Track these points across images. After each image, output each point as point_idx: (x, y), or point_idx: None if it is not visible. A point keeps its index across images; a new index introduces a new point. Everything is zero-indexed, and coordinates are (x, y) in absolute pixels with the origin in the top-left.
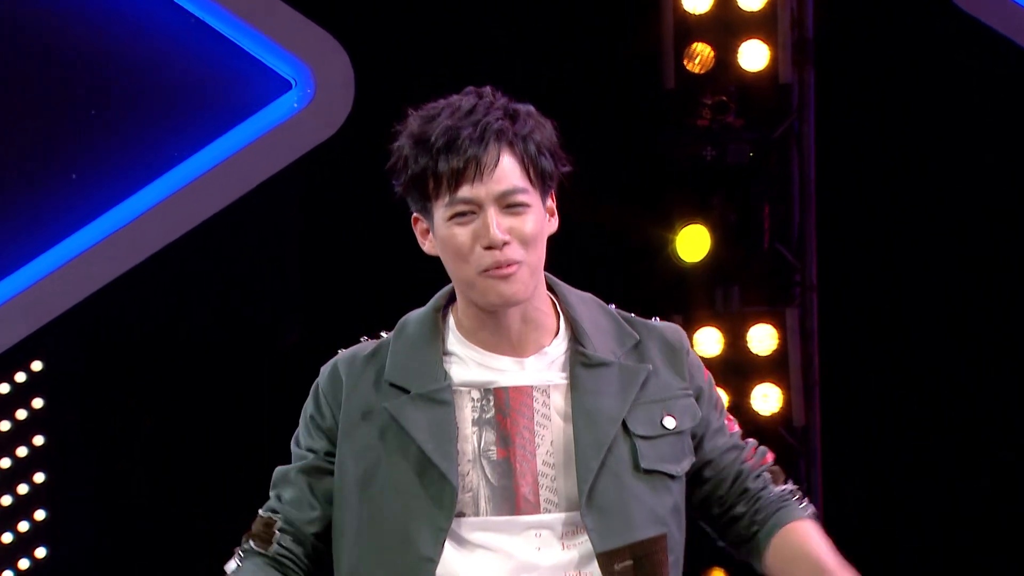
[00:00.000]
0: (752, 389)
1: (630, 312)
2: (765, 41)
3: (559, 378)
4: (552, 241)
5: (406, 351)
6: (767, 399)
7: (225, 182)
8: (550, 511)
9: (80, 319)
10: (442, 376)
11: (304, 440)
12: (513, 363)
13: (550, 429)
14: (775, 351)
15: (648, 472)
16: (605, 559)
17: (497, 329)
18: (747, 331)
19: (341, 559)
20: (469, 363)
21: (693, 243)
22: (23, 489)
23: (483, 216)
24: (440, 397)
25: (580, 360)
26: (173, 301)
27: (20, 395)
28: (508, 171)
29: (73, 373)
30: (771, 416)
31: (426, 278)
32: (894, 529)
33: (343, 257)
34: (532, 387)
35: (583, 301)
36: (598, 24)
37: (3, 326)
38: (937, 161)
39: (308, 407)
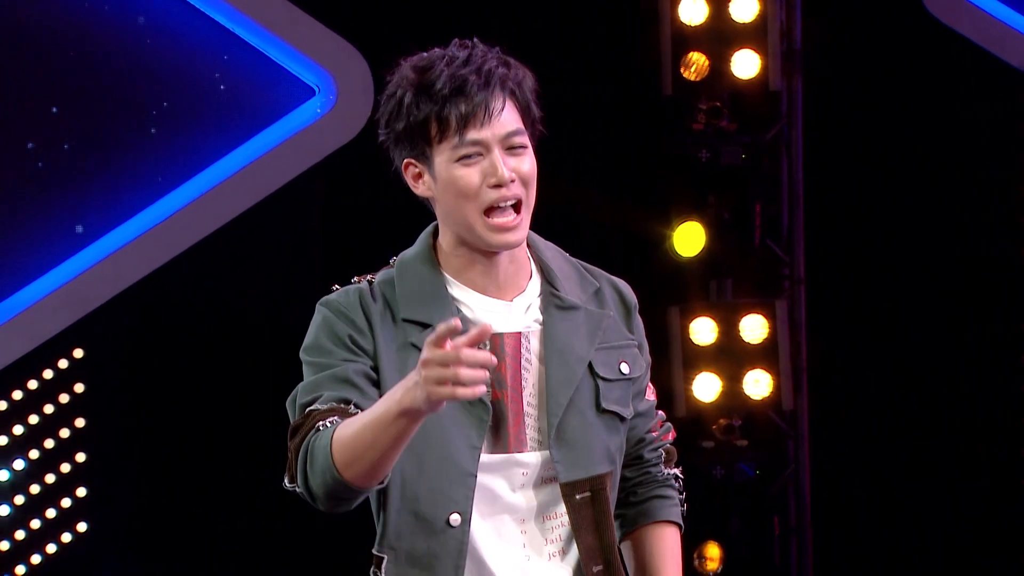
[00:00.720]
0: (744, 375)
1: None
2: (756, 51)
3: (536, 321)
4: (559, 234)
5: (414, 288)
6: (758, 384)
7: (253, 182)
8: (535, 449)
9: (118, 310)
10: (454, 309)
11: (343, 354)
12: (503, 306)
13: (531, 372)
14: (766, 339)
15: (606, 412)
16: (568, 489)
17: (486, 270)
18: (739, 321)
19: (391, 477)
20: (465, 303)
21: (689, 239)
22: (65, 468)
23: (490, 157)
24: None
25: (554, 303)
26: (204, 293)
27: (62, 380)
28: (510, 115)
29: (111, 360)
30: (762, 400)
31: None
32: (879, 506)
33: (362, 252)
34: (520, 333)
35: (548, 247)
36: (603, 36)
37: (47, 316)
38: (917, 162)
39: (337, 327)
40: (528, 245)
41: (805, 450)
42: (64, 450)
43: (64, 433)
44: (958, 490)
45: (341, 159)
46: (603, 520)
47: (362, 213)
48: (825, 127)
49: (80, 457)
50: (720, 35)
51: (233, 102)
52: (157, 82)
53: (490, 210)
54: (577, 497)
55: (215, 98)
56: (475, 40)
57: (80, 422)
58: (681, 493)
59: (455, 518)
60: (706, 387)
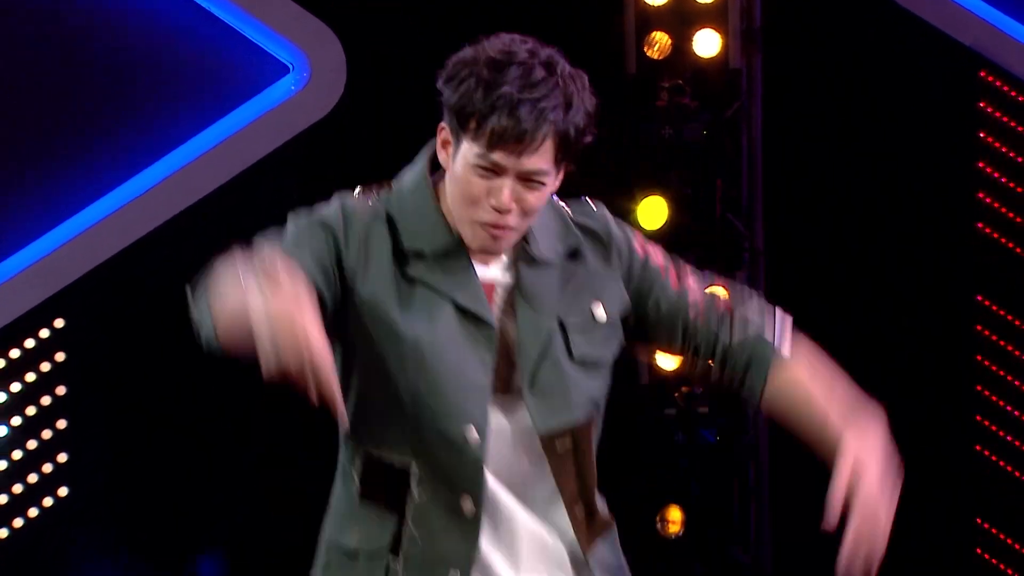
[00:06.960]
0: None
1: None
2: (717, 30)
3: (510, 276)
4: None
5: (413, 217)
6: None
7: (229, 158)
8: (519, 398)
9: (98, 281)
10: (453, 234)
11: (319, 244)
12: (483, 256)
13: (503, 322)
14: None
15: (580, 361)
16: (548, 441)
17: None
18: None
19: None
20: None
21: (652, 213)
22: (47, 435)
23: (501, 181)
24: (457, 253)
25: (524, 258)
26: (181, 265)
27: (44, 349)
28: (543, 154)
29: (92, 329)
30: None
31: None
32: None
33: None
34: (495, 283)
35: None
36: (568, 16)
37: (29, 287)
38: (874, 138)
39: (335, 231)
40: None
41: (763, 416)
42: (46, 417)
43: (46, 401)
44: (913, 458)
45: (314, 135)
46: (584, 469)
47: (334, 186)
48: (784, 104)
49: (61, 424)
50: (682, 15)
51: (210, 79)
52: (134, 59)
53: (482, 223)
54: (558, 448)
55: (193, 75)
56: (561, 60)
57: (61, 390)
58: (773, 330)
59: (473, 435)
60: (668, 356)
